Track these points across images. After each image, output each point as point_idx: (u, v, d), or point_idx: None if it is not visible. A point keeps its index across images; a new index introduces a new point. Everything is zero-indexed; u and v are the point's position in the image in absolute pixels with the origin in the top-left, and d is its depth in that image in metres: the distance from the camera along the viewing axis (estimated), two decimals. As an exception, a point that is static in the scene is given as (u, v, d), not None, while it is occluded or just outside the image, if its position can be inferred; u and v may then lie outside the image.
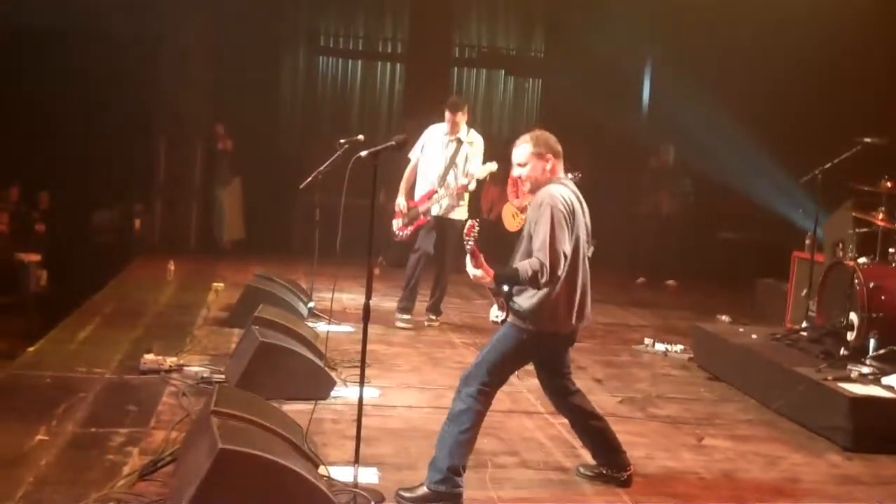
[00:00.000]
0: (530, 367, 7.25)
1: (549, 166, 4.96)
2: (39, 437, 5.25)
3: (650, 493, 5.06)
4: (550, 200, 4.78)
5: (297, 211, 13.25)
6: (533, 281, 4.69)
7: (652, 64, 15.63)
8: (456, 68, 16.40)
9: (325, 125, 15.40)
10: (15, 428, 5.37)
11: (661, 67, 15.18)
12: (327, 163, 8.83)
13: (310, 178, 9.02)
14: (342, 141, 7.55)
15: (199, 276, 11.41)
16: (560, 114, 15.40)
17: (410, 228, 9.14)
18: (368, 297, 4.79)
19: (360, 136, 7.44)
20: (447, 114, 9.00)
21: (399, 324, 9.07)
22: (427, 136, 9.17)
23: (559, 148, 5.02)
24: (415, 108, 15.60)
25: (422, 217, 9.09)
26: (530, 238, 4.81)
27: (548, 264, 4.65)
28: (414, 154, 9.12)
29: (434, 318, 9.37)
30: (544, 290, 4.76)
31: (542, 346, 4.98)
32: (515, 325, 4.89)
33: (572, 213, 4.83)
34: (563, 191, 4.89)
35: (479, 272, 4.80)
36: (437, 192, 8.97)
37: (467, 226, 4.86)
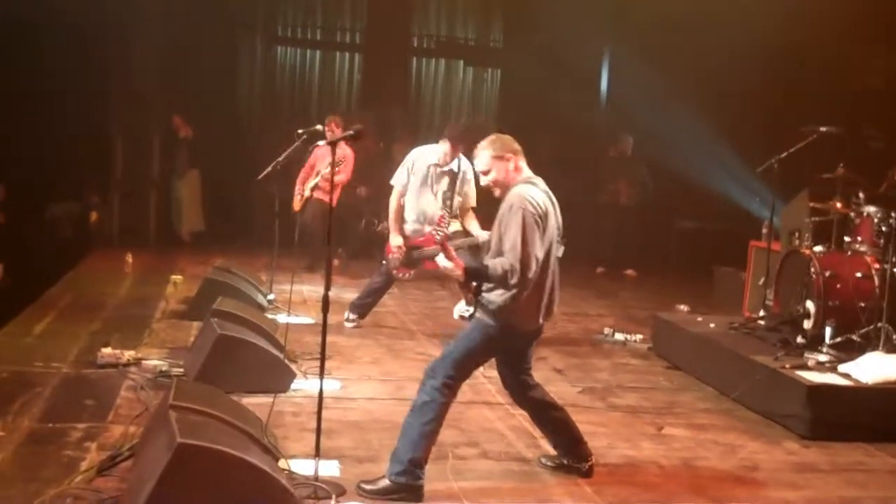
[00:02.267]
0: (491, 361, 7.28)
1: (511, 166, 4.95)
2: (-5, 433, 5.19)
3: (611, 483, 5.08)
4: (520, 203, 4.77)
5: (256, 202, 13.17)
6: (502, 280, 4.71)
7: (610, 53, 15.67)
8: (415, 58, 16.37)
9: (284, 115, 15.30)
10: (-30, 424, 5.30)
11: (619, 57, 15.22)
12: (286, 153, 8.79)
13: (268, 169, 8.96)
14: (300, 131, 7.47)
15: (157, 268, 11.32)
16: (519, 104, 15.46)
17: (412, 272, 8.48)
18: (327, 288, 4.78)
19: (319, 126, 7.39)
20: (448, 144, 8.23)
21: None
22: (414, 163, 8.35)
23: (517, 146, 5.03)
24: (373, 98, 15.59)
25: (426, 262, 8.19)
26: (500, 238, 4.81)
27: (518, 267, 4.66)
28: (398, 181, 8.37)
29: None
30: (515, 290, 4.76)
31: (508, 342, 4.99)
32: (483, 321, 4.89)
33: (545, 215, 4.83)
34: (534, 192, 4.88)
35: (449, 264, 4.80)
36: (437, 236, 8.15)
37: (437, 217, 4.86)
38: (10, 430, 5.25)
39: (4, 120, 12.59)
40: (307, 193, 10.95)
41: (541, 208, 4.81)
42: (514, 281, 4.68)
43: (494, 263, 4.73)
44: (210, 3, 13.90)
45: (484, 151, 4.97)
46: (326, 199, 10.23)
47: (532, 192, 4.86)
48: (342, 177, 10.69)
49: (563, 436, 5.22)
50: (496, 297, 4.82)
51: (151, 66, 13.86)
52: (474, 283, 4.91)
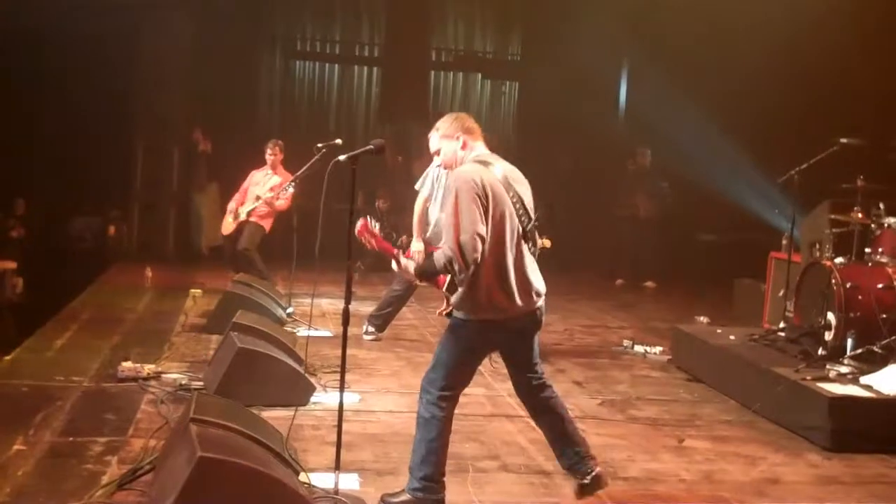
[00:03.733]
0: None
1: (460, 146, 4.74)
2: (17, 446, 5.21)
3: (632, 496, 5.06)
4: (455, 183, 4.54)
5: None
6: (451, 268, 4.50)
7: (629, 66, 15.68)
8: (433, 72, 16.41)
9: (303, 129, 15.36)
10: (-8, 438, 5.33)
11: (638, 70, 15.23)
12: (305, 167, 8.83)
13: (289, 182, 8.97)
14: (320, 145, 7.49)
15: (176, 282, 11.36)
16: (537, 116, 15.49)
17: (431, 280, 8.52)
18: (348, 301, 4.78)
19: (338, 141, 7.41)
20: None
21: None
22: (437, 171, 8.15)
23: (472, 124, 4.79)
24: (392, 112, 15.64)
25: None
26: None
27: (456, 249, 4.40)
28: (424, 187, 8.25)
29: None
30: (473, 277, 4.51)
31: (490, 336, 4.70)
32: (455, 320, 4.69)
33: (485, 191, 4.50)
34: (475, 169, 4.59)
35: (401, 266, 4.78)
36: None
37: (359, 225, 4.85)
38: (32, 443, 5.28)
39: (27, 135, 12.70)
40: (242, 217, 10.46)
41: (479, 185, 4.49)
42: (457, 266, 4.44)
43: (438, 254, 4.52)
44: (231, 19, 13.99)
45: (433, 133, 4.82)
46: (264, 223, 10.24)
47: (471, 170, 4.58)
48: (283, 203, 10.21)
49: (565, 448, 4.92)
50: (460, 290, 4.62)
51: (173, 80, 13.95)
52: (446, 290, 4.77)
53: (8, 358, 7.43)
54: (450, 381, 4.69)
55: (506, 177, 4.64)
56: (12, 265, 12.32)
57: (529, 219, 4.70)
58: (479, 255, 4.44)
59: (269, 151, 10.37)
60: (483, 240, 4.44)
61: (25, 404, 6.04)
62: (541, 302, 4.73)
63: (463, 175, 4.56)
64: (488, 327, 4.62)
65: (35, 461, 5.02)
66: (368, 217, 5.07)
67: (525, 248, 4.69)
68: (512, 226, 4.60)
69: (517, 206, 4.64)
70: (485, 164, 4.65)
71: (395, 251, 4.99)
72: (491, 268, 4.54)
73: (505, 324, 4.64)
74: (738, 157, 12.26)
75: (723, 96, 12.76)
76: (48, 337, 8.19)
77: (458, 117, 4.82)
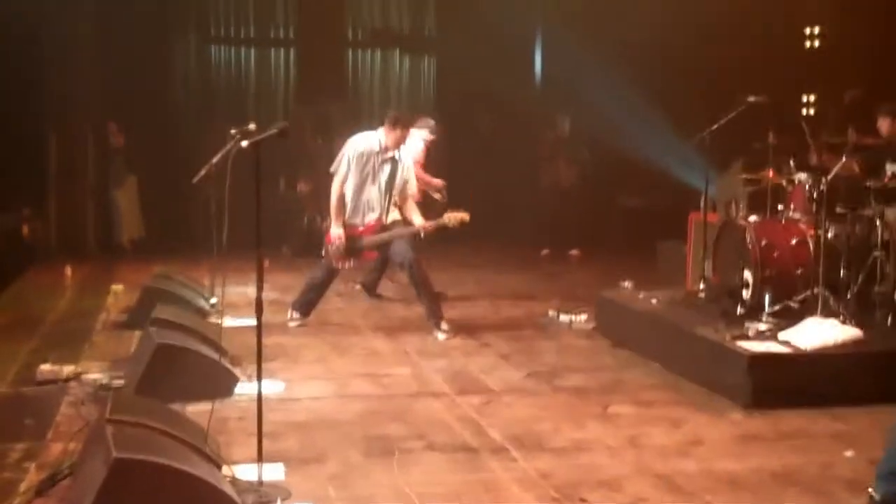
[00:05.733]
0: (437, 351, 7.32)
1: None
2: (-69, 459, 5.09)
3: (559, 467, 5.07)
4: None
5: (194, 205, 13.02)
6: None
7: (542, 34, 15.67)
8: (350, 50, 16.26)
9: (220, 115, 15.07)
10: None
11: (552, 36, 15.22)
12: (219, 154, 8.70)
13: (203, 171, 8.86)
14: (233, 131, 7.40)
15: (98, 279, 11.18)
16: (456, 90, 15.43)
17: (353, 262, 8.53)
18: (260, 289, 4.76)
19: (252, 126, 7.31)
20: (394, 130, 8.32)
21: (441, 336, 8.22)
22: (354, 152, 8.36)
23: None
24: (311, 93, 15.48)
25: (367, 251, 8.50)
26: None
27: None
28: (340, 170, 8.37)
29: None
30: None
31: None
32: None
33: None
34: None
35: None
36: (384, 222, 8.36)
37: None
38: (-53, 455, 5.16)
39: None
40: None
41: None
42: None
43: None
44: (142, 5, 13.71)
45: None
46: None
47: None
48: None
49: None
50: None
51: (84, 70, 13.63)
52: None
53: (-80, 367, 7.25)
54: None
55: None
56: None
57: None
58: None
59: None
60: None
61: (-60, 414, 5.91)
62: None
63: None
64: None
65: (-50, 473, 4.91)
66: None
67: None
68: None
69: None
70: None
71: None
72: None
73: None
74: (656, 120, 12.34)
75: (637, 59, 12.82)
76: (-36, 343, 8.00)
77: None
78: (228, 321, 8.23)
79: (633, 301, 8.25)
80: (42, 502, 4.47)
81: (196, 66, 15.73)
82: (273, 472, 4.85)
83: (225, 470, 4.67)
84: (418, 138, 9.58)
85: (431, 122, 9.95)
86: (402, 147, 8.48)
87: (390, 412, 6.05)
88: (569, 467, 5.10)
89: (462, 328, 8.43)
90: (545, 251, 13.36)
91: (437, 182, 9.80)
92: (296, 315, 8.67)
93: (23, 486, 4.68)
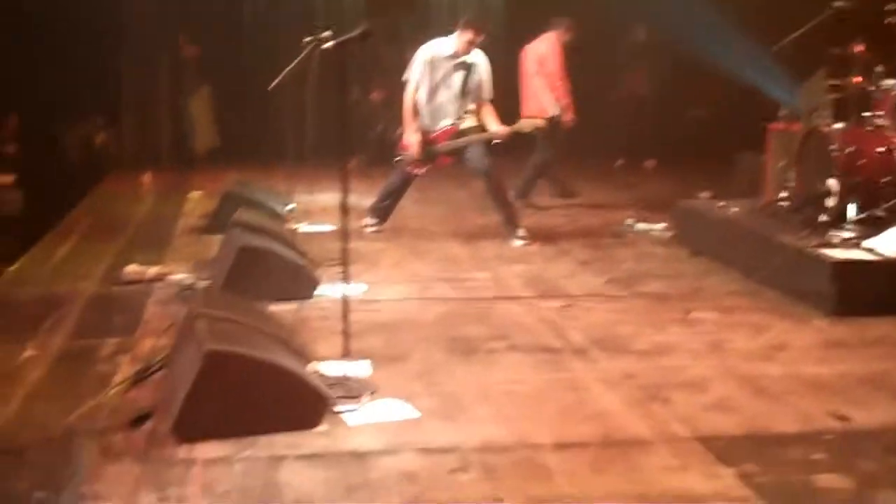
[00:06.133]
0: (515, 256, 7.32)
1: None
2: (28, 353, 5.23)
3: (641, 368, 5.08)
4: None
5: (269, 113, 13.06)
6: None
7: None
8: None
9: (292, 25, 15.03)
10: (2, 345, 5.35)
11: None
12: (294, 62, 8.68)
13: (278, 79, 8.85)
14: (307, 39, 7.37)
15: (175, 187, 11.33)
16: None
17: (428, 168, 8.48)
18: (345, 190, 4.78)
19: (328, 33, 7.27)
20: (466, 34, 8.19)
21: (518, 243, 8.23)
22: (425, 58, 8.29)
23: None
24: (381, 2, 15.32)
25: (442, 157, 8.41)
26: None
27: None
28: (412, 76, 8.32)
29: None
30: None
31: None
32: None
33: None
34: None
35: None
36: (459, 128, 8.30)
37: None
38: (42, 348, 5.30)
39: (9, 47, 12.47)
40: None
41: None
42: None
43: None
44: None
45: None
46: None
47: None
48: None
49: None
50: None
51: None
52: None
53: (12, 268, 7.43)
54: None
55: None
56: (9, 179, 12.21)
57: None
58: None
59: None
60: None
61: (33, 311, 6.05)
62: None
63: None
64: None
65: (47, 365, 5.05)
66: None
67: None
68: None
69: None
70: None
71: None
72: None
73: None
74: (734, 27, 12.01)
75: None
76: (51, 246, 8.19)
77: None
78: (304, 227, 8.33)
79: (712, 210, 8.15)
80: (136, 393, 4.58)
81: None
82: (359, 369, 4.91)
83: (312, 366, 4.74)
84: (552, 40, 9.51)
85: (566, 21, 9.84)
86: (475, 51, 8.34)
87: (472, 314, 6.08)
88: (652, 369, 5.09)
89: (539, 236, 8.42)
90: (620, 161, 13.21)
91: (564, 101, 9.78)
92: (372, 221, 8.70)
93: (118, 377, 4.80)
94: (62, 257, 7.77)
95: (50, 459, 3.86)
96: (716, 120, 13.68)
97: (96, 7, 12.86)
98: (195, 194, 10.11)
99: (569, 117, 10.08)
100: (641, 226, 8.85)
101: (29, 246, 8.46)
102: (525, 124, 8.16)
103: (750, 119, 11.00)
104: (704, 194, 9.78)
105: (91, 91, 13.21)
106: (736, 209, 8.04)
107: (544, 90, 9.97)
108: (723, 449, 4.00)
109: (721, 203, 8.41)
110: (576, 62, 12.80)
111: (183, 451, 3.93)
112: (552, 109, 9.88)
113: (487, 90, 8.34)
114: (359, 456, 3.92)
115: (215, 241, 7.75)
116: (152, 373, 4.79)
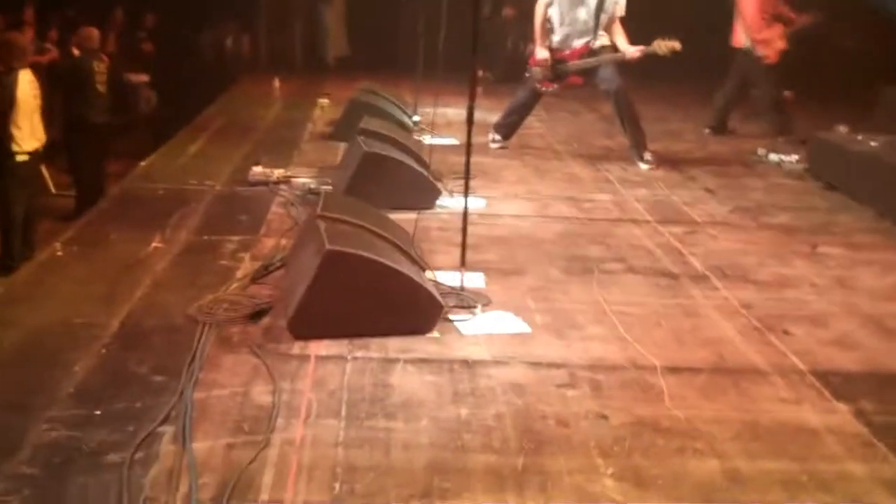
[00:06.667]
0: (640, 180, 7.20)
1: None
2: (155, 244, 5.38)
3: (761, 299, 4.96)
4: None
5: (401, 24, 13.04)
6: None
7: None
8: None
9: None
10: (131, 236, 5.51)
11: None
12: (427, -27, 8.62)
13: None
14: None
15: (304, 93, 11.44)
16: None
17: (558, 86, 8.34)
18: (472, 99, 4.72)
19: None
20: None
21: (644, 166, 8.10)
22: None
23: None
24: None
25: (572, 76, 8.26)
26: None
27: None
28: None
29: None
30: None
31: None
32: None
33: None
34: None
35: None
36: (591, 47, 8.12)
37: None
38: (169, 241, 5.45)
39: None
40: None
41: None
42: None
43: None
44: None
45: None
46: None
47: None
48: None
49: None
50: None
51: None
52: None
53: (144, 164, 7.64)
54: None
55: None
56: (145, 78, 12.50)
57: None
58: None
59: None
60: None
61: (161, 206, 6.22)
62: None
63: None
64: None
65: (172, 257, 5.19)
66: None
67: None
68: None
69: None
70: None
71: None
72: None
73: None
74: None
75: None
76: (181, 144, 8.38)
77: None
78: (430, 139, 8.32)
79: (850, 143, 7.83)
80: (257, 288, 4.68)
81: None
82: (474, 280, 4.92)
83: (428, 274, 4.77)
84: None
85: None
86: None
87: (591, 234, 6.01)
88: (772, 300, 4.97)
89: (666, 161, 8.26)
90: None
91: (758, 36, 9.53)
92: (497, 137, 8.65)
93: (239, 273, 4.91)
94: (192, 155, 7.94)
95: (170, 346, 3.98)
96: (860, 51, 13.10)
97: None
98: (324, 101, 10.20)
99: (762, 52, 9.68)
100: (774, 156, 8.58)
101: (161, 144, 8.68)
102: (660, 46, 7.92)
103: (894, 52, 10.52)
104: (842, 128, 9.40)
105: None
106: (874, 143, 7.72)
107: (738, 21, 9.65)
108: (840, 385, 3.89)
109: (860, 136, 8.08)
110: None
111: (297, 348, 4.01)
112: (744, 41, 9.57)
113: (622, 7, 8.11)
114: (468, 364, 3.94)
115: (341, 148, 7.85)
116: (273, 270, 4.90)
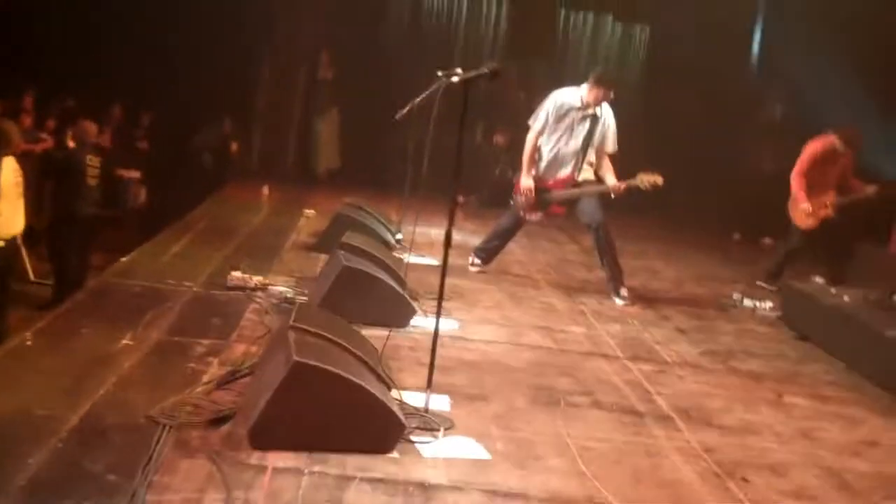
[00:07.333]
0: (614, 315, 7.25)
1: None
2: (125, 341, 5.39)
3: (724, 444, 4.98)
4: None
5: (392, 143, 13.26)
6: None
7: (764, 12, 15.15)
8: (563, 9, 16.15)
9: (428, 59, 15.28)
10: (103, 331, 5.52)
11: (773, 14, 14.69)
12: (423, 94, 8.79)
13: (405, 110, 8.98)
14: (440, 73, 7.45)
15: (292, 201, 11.55)
16: (666, 62, 15.11)
17: (540, 215, 8.44)
18: (451, 222, 4.81)
19: (459, 70, 7.35)
20: (597, 88, 8.05)
21: (619, 302, 8.17)
22: (553, 105, 8.20)
23: None
24: (518, 47, 15.47)
25: (555, 206, 8.38)
26: None
27: None
28: (537, 122, 8.26)
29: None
30: None
31: None
32: None
33: None
34: None
35: None
36: (575, 178, 8.24)
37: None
38: (139, 339, 5.45)
39: (154, 50, 12.93)
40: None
41: None
42: None
43: None
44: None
45: None
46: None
47: None
48: None
49: None
50: None
51: (305, 3, 14.08)
52: None
53: (124, 259, 7.67)
54: None
55: None
56: (137, 174, 12.64)
57: None
58: None
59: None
60: None
61: (136, 303, 6.23)
62: None
63: None
64: None
65: (141, 356, 5.19)
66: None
67: None
68: None
69: None
70: None
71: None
72: None
73: None
74: (875, 114, 11.72)
75: (868, 51, 12.16)
76: (164, 243, 8.42)
77: None
78: (411, 258, 8.38)
79: (823, 295, 7.93)
80: (222, 394, 4.68)
81: (410, 9, 15.94)
82: (439, 403, 4.92)
83: (393, 393, 4.77)
84: (818, 142, 9.37)
85: (846, 131, 9.40)
86: (603, 105, 8.27)
87: (560, 366, 6.04)
88: (734, 446, 4.99)
89: (642, 298, 8.33)
90: (737, 235, 13.01)
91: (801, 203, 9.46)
92: (477, 261, 8.73)
93: (206, 377, 4.91)
94: (173, 254, 7.99)
95: (128, 445, 3.96)
96: (842, 205, 13.31)
97: (244, 17, 13.28)
98: (309, 212, 10.30)
99: (800, 221, 9.65)
100: (748, 302, 8.67)
101: (145, 239, 8.73)
102: (642, 181, 8.06)
103: (871, 208, 10.71)
104: (818, 279, 9.54)
105: (224, 99, 13.63)
106: (847, 297, 7.82)
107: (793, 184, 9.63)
108: (794, 538, 3.89)
109: (833, 289, 8.19)
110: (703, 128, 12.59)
111: (255, 457, 4.00)
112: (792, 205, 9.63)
113: (612, 143, 8.25)
114: (425, 488, 3.93)
115: (321, 260, 7.89)
116: (240, 377, 4.90)
